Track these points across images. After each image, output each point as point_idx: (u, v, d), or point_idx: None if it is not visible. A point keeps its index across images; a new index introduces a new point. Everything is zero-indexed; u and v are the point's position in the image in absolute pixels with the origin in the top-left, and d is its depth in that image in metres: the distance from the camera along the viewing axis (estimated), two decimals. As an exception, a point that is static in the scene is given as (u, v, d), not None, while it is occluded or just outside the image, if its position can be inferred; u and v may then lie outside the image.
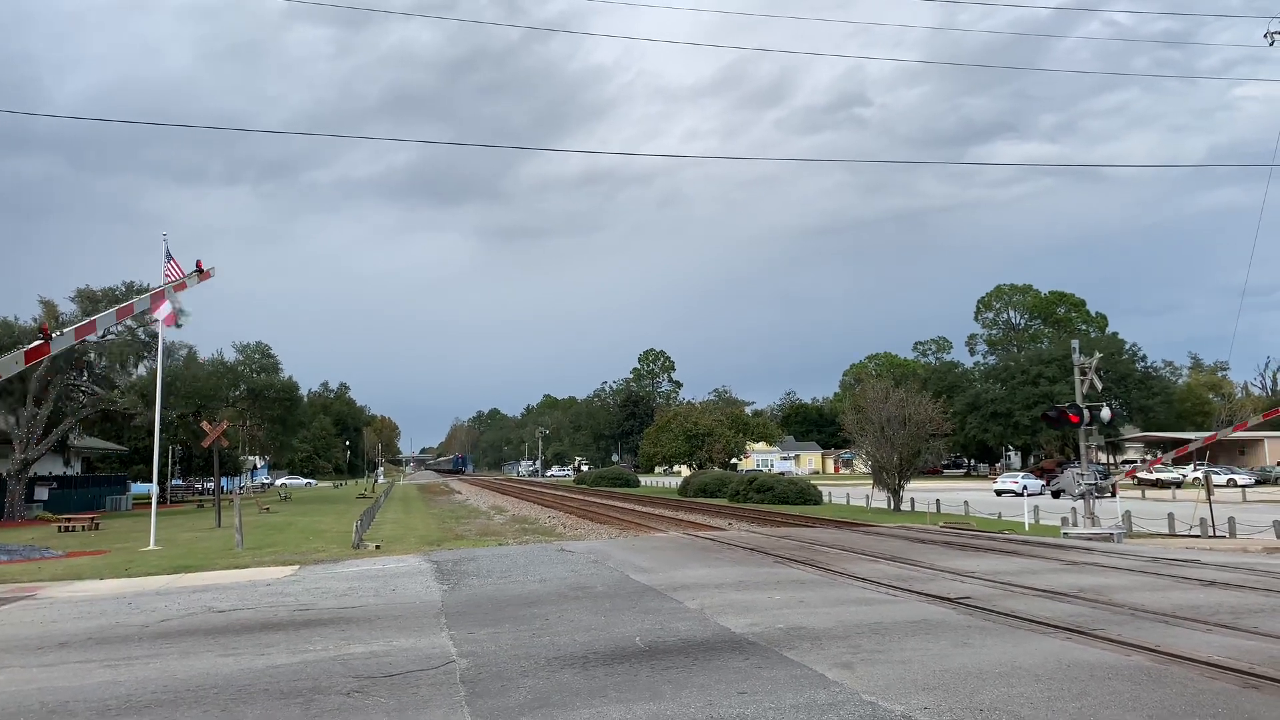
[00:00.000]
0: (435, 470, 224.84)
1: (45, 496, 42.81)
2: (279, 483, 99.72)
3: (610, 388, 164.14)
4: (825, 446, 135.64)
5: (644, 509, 44.15)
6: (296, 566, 18.15)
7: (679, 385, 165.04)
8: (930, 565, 16.22)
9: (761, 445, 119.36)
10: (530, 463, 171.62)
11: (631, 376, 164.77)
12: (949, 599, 12.09)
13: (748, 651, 8.93)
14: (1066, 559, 17.56)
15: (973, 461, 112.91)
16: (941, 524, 29.11)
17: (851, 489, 57.45)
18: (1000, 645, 9.12)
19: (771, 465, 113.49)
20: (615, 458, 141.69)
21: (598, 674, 8.12)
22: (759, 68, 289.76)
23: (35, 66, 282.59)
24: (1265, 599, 12.25)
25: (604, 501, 52.91)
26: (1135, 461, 77.36)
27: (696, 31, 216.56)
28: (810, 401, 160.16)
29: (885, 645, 9.13)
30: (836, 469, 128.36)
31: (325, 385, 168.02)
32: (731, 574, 15.25)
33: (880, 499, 43.63)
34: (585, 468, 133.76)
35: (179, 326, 43.24)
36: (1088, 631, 9.73)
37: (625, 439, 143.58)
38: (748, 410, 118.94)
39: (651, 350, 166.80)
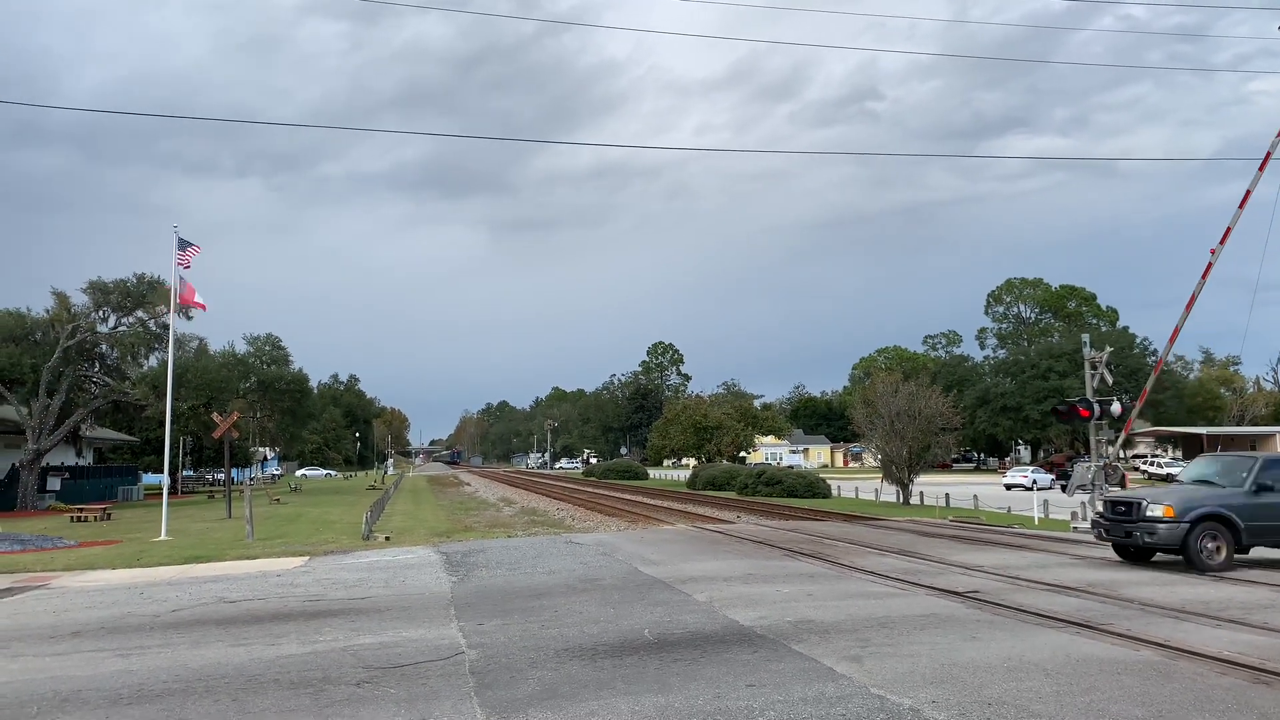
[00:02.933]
0: (441, 462, 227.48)
1: (58, 487, 43.18)
2: (298, 473, 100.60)
3: (619, 380, 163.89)
4: (834, 440, 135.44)
5: (652, 502, 44.21)
6: (307, 557, 18.25)
7: (688, 378, 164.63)
8: (939, 559, 16.20)
9: (770, 439, 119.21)
10: (539, 455, 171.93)
11: (640, 369, 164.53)
12: (958, 593, 12.08)
13: (756, 644, 8.94)
14: (1076, 553, 17.52)
15: (982, 456, 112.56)
16: (950, 518, 29.06)
17: (860, 483, 57.38)
18: (1009, 639, 9.11)
19: (780, 459, 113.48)
20: (624, 450, 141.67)
21: (606, 666, 8.15)
22: (771, 61, 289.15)
23: (50, 60, 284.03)
24: (1275, 594, 12.19)
25: (612, 494, 53.00)
26: (1145, 456, 77.38)
27: (709, 25, 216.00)
28: (819, 395, 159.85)
29: (894, 639, 9.13)
30: (845, 463, 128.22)
31: (335, 377, 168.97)
32: (740, 567, 15.26)
33: (889, 493, 43.55)
34: (594, 460, 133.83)
35: (189, 319, 43.66)
36: (1096, 626, 9.71)
37: (634, 432, 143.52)
38: (757, 403, 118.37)
39: (660, 343, 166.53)
